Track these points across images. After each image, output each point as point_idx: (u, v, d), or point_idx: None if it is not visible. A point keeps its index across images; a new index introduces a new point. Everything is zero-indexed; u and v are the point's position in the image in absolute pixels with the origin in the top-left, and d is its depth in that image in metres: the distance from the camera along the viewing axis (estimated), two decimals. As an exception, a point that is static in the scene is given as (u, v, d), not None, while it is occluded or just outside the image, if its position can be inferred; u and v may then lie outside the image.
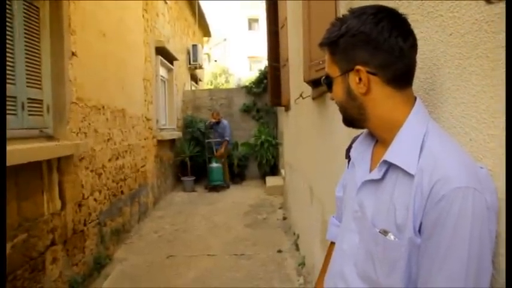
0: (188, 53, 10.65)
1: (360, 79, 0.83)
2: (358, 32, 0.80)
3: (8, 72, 2.60)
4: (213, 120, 8.36)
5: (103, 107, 4.17)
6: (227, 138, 8.32)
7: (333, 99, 0.94)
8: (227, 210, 6.34)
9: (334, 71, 0.89)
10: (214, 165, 8.07)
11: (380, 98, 0.83)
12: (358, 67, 0.82)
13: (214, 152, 8.36)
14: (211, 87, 17.98)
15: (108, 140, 4.35)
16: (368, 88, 0.83)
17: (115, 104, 4.56)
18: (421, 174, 0.74)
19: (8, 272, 2.40)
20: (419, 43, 1.05)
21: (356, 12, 0.83)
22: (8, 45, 2.60)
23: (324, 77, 0.94)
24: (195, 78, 11.93)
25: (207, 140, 8.52)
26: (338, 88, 0.89)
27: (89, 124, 3.78)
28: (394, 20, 0.81)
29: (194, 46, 10.78)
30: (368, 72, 0.82)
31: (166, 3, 7.86)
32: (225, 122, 8.43)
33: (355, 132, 1.12)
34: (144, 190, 5.90)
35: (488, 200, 0.69)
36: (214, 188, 7.93)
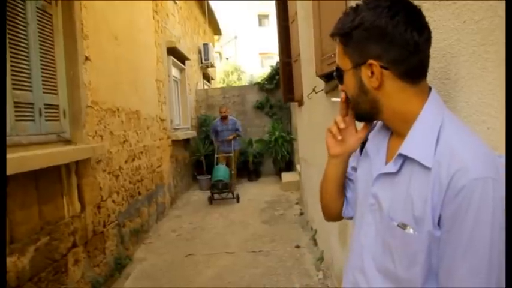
0: (199, 52, 10.69)
1: (372, 73, 0.81)
2: (373, 25, 0.78)
3: (24, 79, 2.66)
4: (221, 115, 7.89)
5: (118, 110, 4.23)
6: (239, 132, 7.88)
7: (343, 90, 0.92)
8: (244, 207, 6.36)
9: (345, 64, 0.87)
10: (220, 166, 7.22)
11: (393, 91, 0.82)
12: (370, 61, 0.80)
13: (233, 149, 7.63)
14: (224, 85, 18.03)
15: (124, 141, 4.40)
16: (380, 82, 0.81)
17: (129, 105, 4.62)
18: (438, 166, 0.73)
19: (32, 274, 2.46)
20: (432, 32, 1.03)
21: (370, 3, 0.81)
22: (23, 53, 2.66)
23: (334, 69, 0.92)
24: (207, 77, 11.98)
25: (221, 138, 7.86)
26: (349, 81, 0.88)
27: (105, 127, 3.83)
28: (410, 13, 0.78)
29: (205, 45, 10.81)
30: (381, 66, 0.80)
31: (176, 3, 7.90)
32: (234, 118, 8.06)
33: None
34: (161, 190, 5.96)
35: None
36: (217, 190, 6.77)
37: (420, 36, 0.78)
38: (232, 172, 7.24)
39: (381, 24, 0.78)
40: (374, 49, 0.80)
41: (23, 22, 2.68)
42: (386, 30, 0.77)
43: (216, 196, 6.77)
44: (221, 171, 6.90)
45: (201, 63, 10.81)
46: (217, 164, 7.47)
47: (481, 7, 0.84)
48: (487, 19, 0.82)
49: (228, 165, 7.39)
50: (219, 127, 7.83)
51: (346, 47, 0.85)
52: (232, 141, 7.65)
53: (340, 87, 0.93)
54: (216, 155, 7.63)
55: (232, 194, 6.81)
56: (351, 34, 0.82)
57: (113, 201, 3.95)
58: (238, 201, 6.72)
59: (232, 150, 7.64)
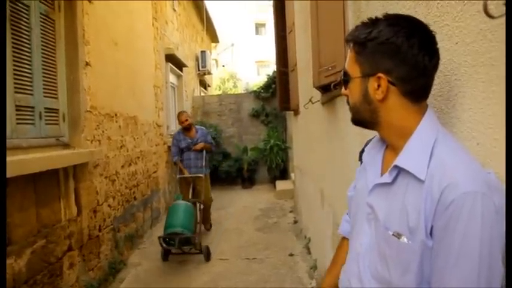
0: (197, 59, 10.76)
1: (379, 86, 0.85)
2: (389, 41, 0.82)
3: (26, 83, 2.69)
4: (182, 126, 5.22)
5: (116, 115, 4.26)
6: (211, 142, 5.38)
7: (346, 95, 0.95)
8: (238, 215, 6.38)
9: (354, 71, 0.90)
10: (180, 202, 4.40)
11: (395, 107, 0.86)
12: (380, 74, 0.84)
13: (203, 169, 5.14)
14: (220, 92, 18.10)
15: (121, 147, 4.43)
16: (385, 96, 0.85)
17: (127, 111, 4.65)
18: (431, 179, 0.77)
19: (28, 277, 2.47)
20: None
21: (390, 20, 0.85)
22: (26, 57, 2.70)
23: (342, 73, 0.95)
24: (203, 84, 12.04)
25: (186, 157, 5.20)
26: (355, 88, 0.91)
27: (103, 132, 3.86)
28: (425, 38, 0.83)
29: (203, 52, 10.90)
30: (389, 81, 0.84)
31: (175, 10, 7.98)
32: (202, 128, 5.48)
33: (366, 137, 1.16)
34: (156, 196, 5.97)
35: (496, 203, 0.72)
36: (171, 244, 4.12)
37: (430, 62, 0.82)
38: (201, 208, 4.88)
39: (397, 42, 0.81)
40: (385, 63, 0.84)
41: (27, 27, 2.72)
42: (401, 48, 0.81)
43: (174, 249, 4.21)
44: (179, 215, 4.14)
45: (198, 70, 10.89)
46: (180, 194, 4.97)
47: (472, 30, 0.90)
48: (477, 42, 0.88)
49: (194, 194, 5.15)
50: (182, 142, 5.18)
51: (358, 55, 0.88)
52: (204, 155, 5.15)
53: (342, 90, 0.96)
54: (178, 176, 5.22)
55: (199, 247, 4.24)
56: (365, 44, 0.86)
57: (109, 206, 3.96)
58: (208, 258, 4.25)
59: (202, 169, 5.11)
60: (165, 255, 4.27)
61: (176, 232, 4.02)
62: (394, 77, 0.84)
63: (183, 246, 4.10)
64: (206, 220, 5.33)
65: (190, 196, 4.96)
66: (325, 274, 1.26)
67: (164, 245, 4.10)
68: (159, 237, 4.10)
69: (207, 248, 4.32)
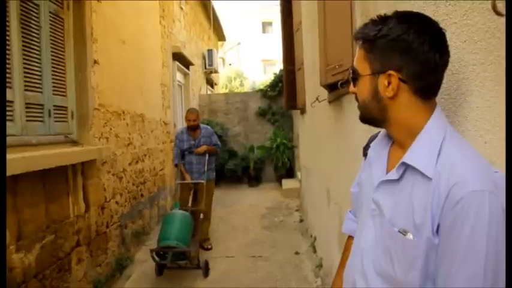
0: (204, 57, 10.78)
1: (389, 83, 0.85)
2: (400, 38, 0.82)
3: (36, 81, 2.73)
4: (188, 125, 4.65)
5: (123, 112, 4.29)
6: (216, 144, 4.81)
7: (354, 92, 0.95)
8: (244, 213, 6.40)
9: (364, 68, 0.90)
10: (176, 212, 3.96)
11: (405, 104, 0.86)
12: (390, 72, 0.84)
13: (206, 174, 4.60)
14: (227, 91, 18.13)
15: (129, 144, 4.46)
16: (396, 93, 0.85)
17: (134, 109, 4.68)
18: (438, 177, 0.77)
19: (38, 271, 2.51)
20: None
21: (400, 17, 0.85)
22: (36, 56, 2.73)
23: (350, 71, 0.95)
24: (210, 83, 12.07)
25: (187, 160, 4.66)
26: (364, 86, 0.91)
27: (110, 129, 3.89)
28: (436, 35, 0.83)
29: (209, 51, 10.92)
30: (399, 79, 0.84)
31: (182, 9, 8.00)
32: (208, 127, 4.87)
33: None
34: (163, 193, 6.00)
35: (503, 202, 0.72)
36: (164, 258, 3.64)
37: (441, 59, 0.82)
38: (201, 217, 4.22)
39: (408, 39, 0.81)
40: (396, 61, 0.84)
41: (37, 25, 2.75)
42: (412, 45, 0.81)
43: (169, 264, 3.72)
44: (174, 226, 3.73)
45: (205, 68, 10.91)
46: (172, 208, 4.56)
47: (480, 28, 0.90)
48: (485, 40, 0.88)
49: (194, 203, 4.54)
50: (185, 142, 4.66)
51: (368, 52, 0.88)
52: (206, 158, 4.62)
53: (351, 88, 0.96)
54: (177, 182, 4.85)
55: (197, 262, 3.88)
56: (375, 41, 0.86)
57: (116, 203, 4.00)
58: (206, 274, 3.83)
59: (204, 174, 4.59)
60: (159, 269, 3.80)
61: (169, 245, 3.59)
62: (405, 74, 0.84)
63: (178, 261, 3.71)
64: (202, 235, 4.48)
65: (190, 204, 4.46)
66: (334, 278, 1.26)
67: (157, 259, 3.64)
68: (151, 251, 3.63)
69: (206, 263, 3.88)
